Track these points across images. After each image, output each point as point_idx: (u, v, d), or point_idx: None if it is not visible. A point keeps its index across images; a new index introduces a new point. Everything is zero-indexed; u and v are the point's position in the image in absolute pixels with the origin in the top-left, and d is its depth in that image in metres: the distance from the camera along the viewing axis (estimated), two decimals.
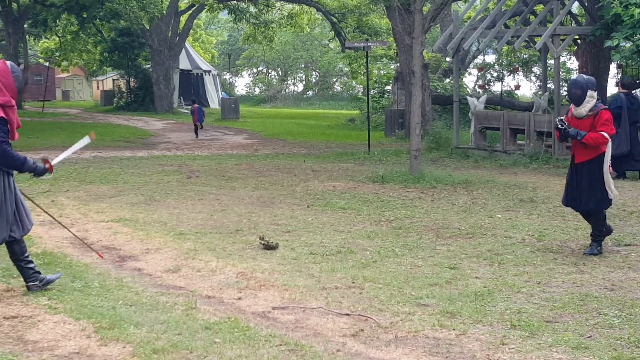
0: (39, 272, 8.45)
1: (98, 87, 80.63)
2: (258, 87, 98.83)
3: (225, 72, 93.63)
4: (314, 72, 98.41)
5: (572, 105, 10.65)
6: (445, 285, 8.90)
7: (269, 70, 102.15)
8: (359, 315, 7.74)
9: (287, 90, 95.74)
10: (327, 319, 7.64)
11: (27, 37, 57.26)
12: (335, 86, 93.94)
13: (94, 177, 18.88)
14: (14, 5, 51.65)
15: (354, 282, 9.06)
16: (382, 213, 13.95)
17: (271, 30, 56.02)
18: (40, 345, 6.77)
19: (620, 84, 19.47)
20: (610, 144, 10.42)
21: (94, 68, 72.87)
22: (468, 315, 7.70)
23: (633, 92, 20.81)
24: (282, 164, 22.41)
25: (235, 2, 51.85)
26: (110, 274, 9.43)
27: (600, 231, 10.61)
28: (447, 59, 37.45)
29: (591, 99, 10.37)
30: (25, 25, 54.55)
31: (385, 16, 39.29)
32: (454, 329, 7.29)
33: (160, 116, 49.04)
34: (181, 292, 8.60)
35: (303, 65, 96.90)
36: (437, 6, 22.80)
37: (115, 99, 62.25)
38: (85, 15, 46.86)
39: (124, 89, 61.12)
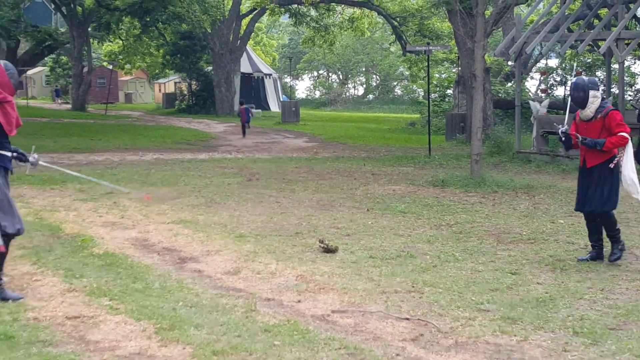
0: None
1: (160, 89, 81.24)
2: (318, 90, 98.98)
3: (285, 76, 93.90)
4: (374, 76, 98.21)
5: (579, 110, 10.41)
6: (506, 291, 8.82)
7: (330, 74, 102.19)
8: (418, 319, 7.70)
9: (347, 94, 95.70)
10: (387, 323, 7.61)
11: (91, 40, 57.89)
12: (395, 90, 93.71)
13: (156, 179, 19.00)
14: (79, 8, 52.31)
15: (413, 287, 9.01)
16: (442, 217, 13.88)
17: (331, 34, 56.05)
18: (101, 346, 6.82)
19: None
20: (630, 143, 10.24)
21: (156, 71, 73.61)
22: (529, 321, 7.62)
23: None
24: (342, 167, 22.40)
25: (296, 5, 51.97)
26: (171, 275, 9.48)
27: (615, 231, 10.37)
28: (509, 62, 37.16)
29: (595, 99, 10.13)
30: (89, 29, 55.19)
31: (446, 20, 39.10)
32: (515, 335, 7.21)
33: (221, 119, 49.29)
34: (241, 294, 8.62)
35: (364, 69, 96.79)
36: (500, 10, 22.62)
37: (177, 102, 62.63)
38: (148, 19, 47.31)
39: (185, 92, 61.50)
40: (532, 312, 7.91)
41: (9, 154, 8.20)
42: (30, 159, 8.51)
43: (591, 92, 10.10)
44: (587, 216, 10.49)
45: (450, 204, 15.35)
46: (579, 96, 10.18)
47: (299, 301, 8.42)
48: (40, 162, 8.74)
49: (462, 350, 6.85)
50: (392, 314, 7.87)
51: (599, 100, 10.18)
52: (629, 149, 10.22)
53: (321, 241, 11.04)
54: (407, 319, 7.74)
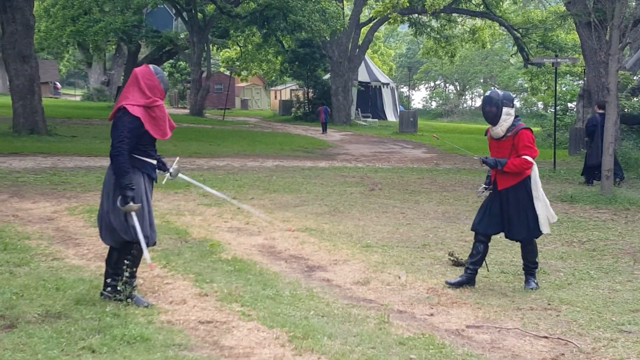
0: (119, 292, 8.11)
1: (276, 96, 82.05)
2: (435, 101, 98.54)
3: (402, 85, 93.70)
4: (492, 87, 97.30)
5: (490, 127, 9.65)
6: None
7: (447, 85, 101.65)
8: (558, 338, 7.46)
9: (464, 105, 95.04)
10: (525, 341, 7.40)
11: (210, 46, 58.67)
12: (514, 102, 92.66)
13: (278, 185, 19.04)
14: (199, 15, 53.06)
15: (549, 304, 8.75)
16: (573, 234, 13.51)
17: (452, 45, 55.67)
18: (235, 352, 6.76)
19: (597, 105, 22.44)
20: (535, 166, 9.47)
21: (273, 78, 74.26)
22: None
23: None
24: (464, 179, 22.13)
25: (416, 15, 51.77)
26: (300, 283, 9.41)
27: (533, 263, 9.66)
28: (635, 77, 36.25)
29: (508, 116, 9.37)
30: (209, 35, 55.93)
31: (572, 31, 38.39)
32: None
33: (337, 127, 49.41)
34: (372, 306, 8.49)
35: (482, 80, 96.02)
36: (633, 22, 22.01)
37: (293, 109, 63.01)
38: (266, 29, 47.66)
39: (302, 100, 61.82)
40: None
41: (154, 161, 8.24)
42: (171, 169, 8.52)
43: (504, 109, 9.37)
44: (480, 238, 9.67)
45: (581, 220, 14.94)
46: (491, 111, 9.41)
47: (432, 314, 8.26)
48: (179, 175, 8.73)
49: None
50: (529, 332, 7.65)
51: (512, 118, 9.43)
52: (535, 173, 9.49)
53: (451, 254, 10.86)
54: (546, 337, 7.50)
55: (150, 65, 8.21)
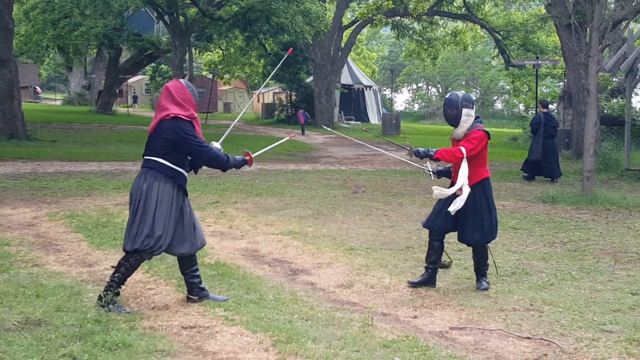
0: (203, 288, 8.57)
1: (259, 100, 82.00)
2: (417, 103, 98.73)
3: (385, 88, 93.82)
4: (474, 90, 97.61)
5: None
6: (628, 312, 8.52)
7: (429, 87, 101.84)
8: (541, 339, 7.48)
9: None
10: (508, 342, 7.41)
11: (192, 49, 58.50)
12: (496, 104, 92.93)
13: (261, 189, 19.02)
14: (181, 18, 52.92)
15: (532, 305, 8.77)
16: (555, 234, 13.56)
17: (434, 47, 55.79)
18: (219, 357, 6.74)
19: (541, 104, 24.20)
20: (465, 162, 9.31)
21: (256, 81, 74.15)
22: None
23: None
24: (447, 181, 22.09)
25: (399, 18, 51.83)
26: (284, 287, 9.40)
27: (485, 265, 9.67)
28: (615, 78, 36.43)
29: (468, 117, 9.35)
30: (191, 38, 55.78)
31: (552, 34, 38.50)
32: None
33: (320, 130, 49.40)
34: (356, 308, 8.49)
35: (464, 82, 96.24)
36: (613, 24, 22.11)
37: (276, 112, 62.94)
38: (248, 34, 47.52)
39: (285, 103, 61.78)
40: None
41: (186, 173, 8.36)
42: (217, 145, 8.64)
43: (464, 110, 9.35)
44: (434, 236, 9.70)
45: (563, 221, 15.00)
46: (452, 114, 9.41)
47: (416, 317, 8.27)
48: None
49: None
50: (512, 333, 7.66)
51: (472, 119, 9.41)
52: (463, 167, 9.35)
53: None
54: (529, 338, 7.52)
55: (181, 80, 8.35)
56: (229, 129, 9.65)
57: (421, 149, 9.61)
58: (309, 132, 47.31)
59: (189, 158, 8.35)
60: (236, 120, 10.48)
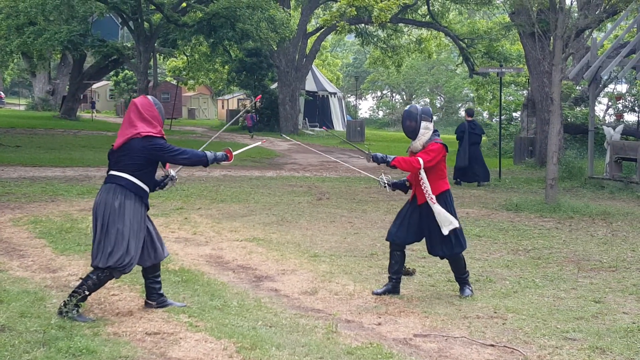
0: (162, 294, 8.60)
1: (223, 106, 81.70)
2: (382, 110, 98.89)
3: (349, 95, 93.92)
4: (439, 97, 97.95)
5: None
6: (591, 320, 8.58)
7: (393, 94, 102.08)
8: (504, 346, 7.51)
9: None
10: (471, 349, 7.44)
11: (157, 55, 58.27)
12: (460, 111, 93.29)
13: (225, 195, 18.99)
14: (146, 24, 52.73)
15: (495, 312, 8.82)
16: (519, 242, 13.64)
17: (399, 55, 55.95)
18: None
19: (465, 112, 25.12)
20: (423, 173, 9.28)
21: (220, 87, 73.97)
22: (619, 351, 7.39)
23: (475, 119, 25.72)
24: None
25: (363, 25, 51.92)
26: (248, 293, 9.39)
27: (464, 273, 9.70)
28: (578, 87, 36.72)
29: (426, 130, 9.37)
30: (155, 44, 55.57)
31: (516, 42, 38.74)
32: None
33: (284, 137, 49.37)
34: (320, 315, 8.50)
35: (428, 90, 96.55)
36: (576, 33, 22.29)
37: (241, 119, 62.81)
38: (213, 40, 47.39)
39: (249, 109, 61.68)
40: (621, 342, 7.68)
41: (148, 189, 8.40)
42: (173, 173, 8.76)
43: (423, 123, 9.37)
44: (396, 247, 9.72)
45: (526, 229, 15.10)
46: (410, 126, 9.42)
47: (380, 324, 8.29)
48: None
49: None
50: (476, 340, 7.69)
51: (430, 132, 9.43)
52: (425, 181, 9.34)
53: None
54: (492, 345, 7.55)
55: (148, 97, 8.40)
56: (210, 139, 9.74)
57: (379, 154, 9.54)
58: (273, 139, 47.24)
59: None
60: (220, 130, 10.63)
